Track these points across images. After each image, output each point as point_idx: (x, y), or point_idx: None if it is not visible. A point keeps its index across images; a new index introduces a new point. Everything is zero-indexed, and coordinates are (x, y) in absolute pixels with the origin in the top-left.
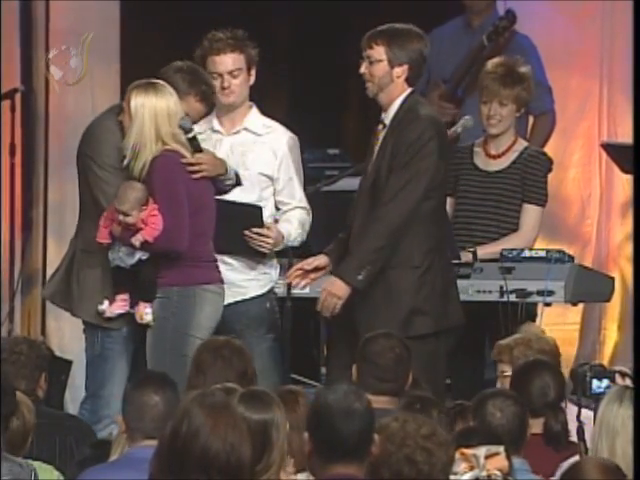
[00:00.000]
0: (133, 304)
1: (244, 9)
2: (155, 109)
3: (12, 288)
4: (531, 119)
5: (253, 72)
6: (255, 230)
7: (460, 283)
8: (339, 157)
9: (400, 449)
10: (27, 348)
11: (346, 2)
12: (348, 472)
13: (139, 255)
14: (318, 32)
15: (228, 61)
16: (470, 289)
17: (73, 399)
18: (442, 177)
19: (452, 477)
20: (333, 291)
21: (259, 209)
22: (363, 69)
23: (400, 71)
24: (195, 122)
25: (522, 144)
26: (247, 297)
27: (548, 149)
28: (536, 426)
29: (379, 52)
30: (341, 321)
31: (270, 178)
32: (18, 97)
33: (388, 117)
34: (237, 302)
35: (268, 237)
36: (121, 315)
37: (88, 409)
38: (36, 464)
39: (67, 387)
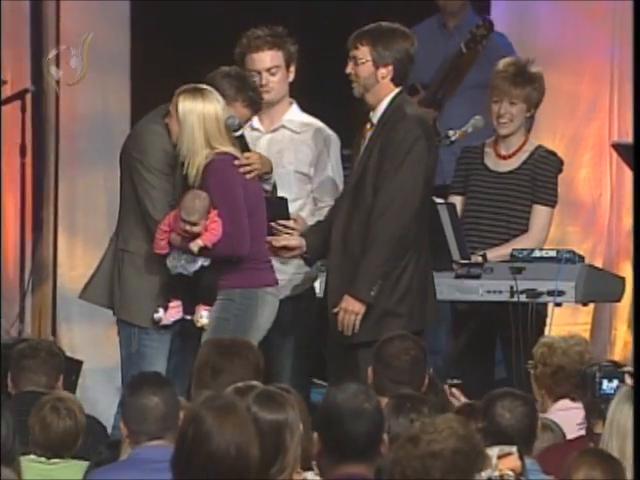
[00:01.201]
0: (187, 309)
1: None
2: (203, 114)
3: (23, 288)
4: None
5: (292, 69)
6: (281, 222)
7: (470, 283)
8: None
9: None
10: (47, 347)
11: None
12: (357, 472)
13: (201, 262)
14: (328, 32)
15: (266, 58)
16: (480, 289)
17: (83, 399)
18: (430, 177)
19: None
20: (350, 308)
21: (284, 200)
22: (349, 69)
23: (385, 72)
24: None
25: (532, 144)
26: (281, 297)
27: (558, 149)
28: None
29: (364, 52)
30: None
31: (307, 176)
32: (29, 97)
33: (376, 116)
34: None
35: (294, 229)
36: (176, 321)
37: None
38: (26, 459)
39: (77, 387)
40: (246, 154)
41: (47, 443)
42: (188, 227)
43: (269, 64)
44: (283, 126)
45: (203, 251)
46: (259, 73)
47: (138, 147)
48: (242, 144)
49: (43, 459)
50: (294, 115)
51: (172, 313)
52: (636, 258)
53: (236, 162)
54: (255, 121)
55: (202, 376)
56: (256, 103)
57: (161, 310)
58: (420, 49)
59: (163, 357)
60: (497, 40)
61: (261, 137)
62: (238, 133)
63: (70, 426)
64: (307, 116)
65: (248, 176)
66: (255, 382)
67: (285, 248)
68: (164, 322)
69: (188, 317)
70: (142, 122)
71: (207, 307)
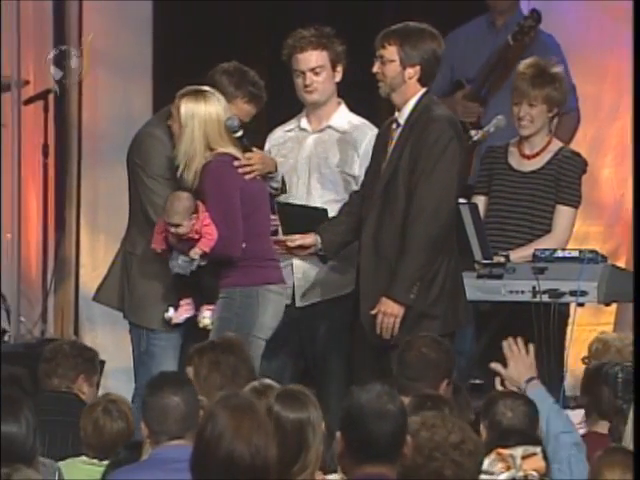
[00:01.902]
0: (198, 307)
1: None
2: (205, 117)
3: (45, 288)
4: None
5: (340, 69)
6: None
7: (493, 283)
8: None
9: (429, 462)
10: (69, 348)
11: (370, 2)
12: (380, 472)
13: (197, 262)
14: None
15: (310, 58)
16: (503, 289)
17: None
18: (461, 178)
19: (488, 477)
20: (389, 311)
21: (324, 212)
22: (376, 69)
23: (412, 72)
24: (245, 123)
25: (557, 145)
26: (330, 297)
27: (581, 149)
28: (602, 427)
29: (391, 52)
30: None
31: (352, 176)
32: (51, 98)
33: (402, 117)
34: (321, 301)
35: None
36: (188, 319)
37: (137, 407)
38: (78, 460)
39: (100, 387)
40: (247, 154)
41: (100, 445)
42: (173, 229)
43: (313, 64)
44: (329, 126)
45: (202, 255)
46: (303, 73)
47: (139, 153)
48: (242, 144)
49: (95, 461)
50: (341, 115)
51: (183, 311)
52: (636, 259)
53: (236, 163)
54: (303, 121)
55: (218, 382)
56: (258, 97)
57: (171, 309)
58: (468, 47)
59: (172, 356)
60: (545, 40)
61: (307, 137)
62: (238, 134)
63: (122, 428)
64: (354, 116)
65: (248, 176)
66: (270, 381)
67: (300, 247)
68: (175, 321)
69: (185, 316)
70: (143, 128)
71: (210, 307)
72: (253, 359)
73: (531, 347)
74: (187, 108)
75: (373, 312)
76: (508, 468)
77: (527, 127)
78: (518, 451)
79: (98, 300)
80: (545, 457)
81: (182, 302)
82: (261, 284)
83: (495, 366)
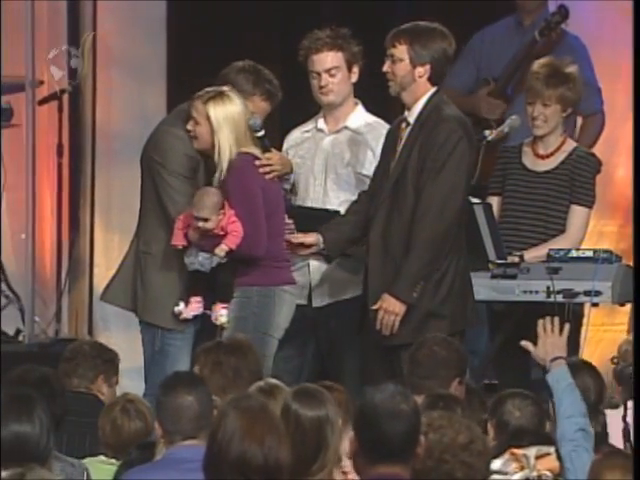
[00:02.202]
0: (207, 306)
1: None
2: (234, 119)
3: (59, 288)
4: (579, 120)
5: (356, 70)
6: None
7: (507, 283)
8: None
9: (439, 465)
10: (89, 348)
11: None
12: (394, 472)
13: (217, 259)
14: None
15: (325, 59)
16: (517, 289)
17: None
18: (470, 177)
19: (502, 477)
20: (390, 309)
21: (337, 214)
22: (386, 67)
23: (422, 71)
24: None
25: (571, 145)
26: (347, 297)
27: (595, 149)
28: None
29: (401, 51)
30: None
31: (369, 177)
32: (65, 98)
33: (412, 116)
34: (337, 301)
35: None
36: (195, 316)
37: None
38: (96, 460)
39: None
40: (267, 155)
41: (118, 444)
42: (200, 224)
43: (328, 65)
44: (346, 127)
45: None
46: (318, 74)
47: (159, 151)
48: (263, 144)
49: (113, 460)
50: (358, 116)
51: (193, 308)
52: (636, 258)
53: (257, 162)
54: (320, 122)
55: (222, 383)
56: (274, 95)
57: (182, 304)
58: (495, 46)
59: (186, 356)
60: (571, 42)
61: (324, 138)
62: (260, 133)
63: (140, 427)
64: (371, 117)
65: (268, 177)
66: (277, 381)
67: (302, 245)
68: (184, 316)
69: (208, 312)
70: (161, 125)
71: (224, 305)
72: (267, 359)
73: (566, 328)
74: (217, 112)
75: (374, 307)
76: (522, 468)
77: (541, 127)
78: (532, 451)
79: (105, 300)
80: (559, 457)
81: (192, 299)
82: (278, 284)
83: (525, 344)
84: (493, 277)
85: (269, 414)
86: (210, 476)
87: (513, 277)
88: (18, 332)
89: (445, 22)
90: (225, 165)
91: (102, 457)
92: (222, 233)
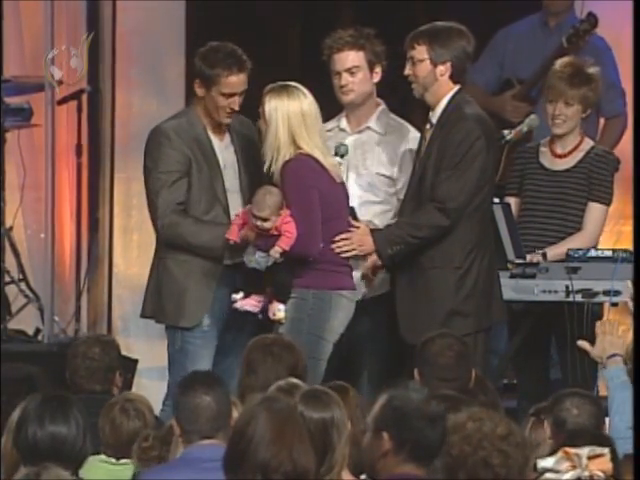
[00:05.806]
0: (263, 306)
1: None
2: (288, 112)
3: (79, 288)
4: (602, 121)
5: (378, 70)
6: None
7: (526, 283)
8: None
9: (476, 451)
10: (100, 351)
11: (424, 2)
12: (416, 473)
13: (273, 258)
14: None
15: (346, 58)
16: (536, 289)
17: None
18: (489, 175)
19: (554, 475)
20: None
21: (352, 210)
22: (407, 70)
23: (443, 69)
24: None
25: (589, 144)
26: (376, 294)
27: (619, 148)
28: None
29: (421, 52)
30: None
31: (390, 178)
32: (84, 98)
33: (435, 116)
34: (362, 300)
35: (348, 239)
36: (247, 312)
37: (170, 405)
38: (96, 459)
39: (133, 386)
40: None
41: (117, 444)
42: (259, 223)
43: (349, 64)
44: (368, 127)
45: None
46: (339, 74)
47: (146, 150)
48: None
49: (113, 459)
50: (381, 116)
51: (249, 303)
52: (636, 259)
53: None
54: (343, 121)
55: (241, 374)
56: (235, 66)
57: (241, 293)
58: (519, 45)
59: (208, 355)
60: (596, 43)
61: (346, 138)
62: (339, 160)
63: (139, 427)
64: (394, 117)
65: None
66: (297, 380)
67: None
68: (236, 305)
69: (248, 308)
70: (157, 125)
71: (280, 303)
72: (320, 362)
73: (625, 329)
74: (270, 104)
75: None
76: (574, 467)
77: (561, 126)
78: (584, 451)
79: (145, 316)
80: (613, 458)
81: (254, 296)
82: (334, 289)
83: (582, 344)
84: (512, 277)
85: (298, 418)
86: (231, 476)
87: (532, 277)
88: (37, 331)
89: (463, 23)
90: (280, 158)
91: (102, 456)
92: (276, 233)
